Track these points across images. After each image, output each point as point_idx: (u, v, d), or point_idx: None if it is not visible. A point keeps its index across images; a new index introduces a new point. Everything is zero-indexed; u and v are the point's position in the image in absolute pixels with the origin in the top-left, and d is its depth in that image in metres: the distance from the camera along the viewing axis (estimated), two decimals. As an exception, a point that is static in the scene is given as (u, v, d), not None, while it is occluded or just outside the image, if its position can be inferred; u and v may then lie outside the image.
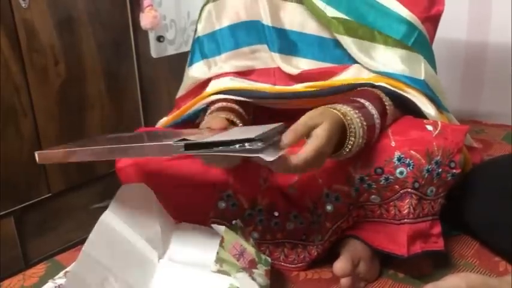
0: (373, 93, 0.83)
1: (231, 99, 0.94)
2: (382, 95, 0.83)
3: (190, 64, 1.06)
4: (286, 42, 0.97)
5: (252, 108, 0.99)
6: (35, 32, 1.36)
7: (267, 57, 0.99)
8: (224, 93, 0.94)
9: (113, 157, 0.75)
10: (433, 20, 0.96)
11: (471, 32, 1.59)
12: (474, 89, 1.64)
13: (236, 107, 0.93)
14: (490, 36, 1.56)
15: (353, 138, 0.74)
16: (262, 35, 0.98)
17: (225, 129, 0.81)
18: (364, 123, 0.75)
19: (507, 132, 1.39)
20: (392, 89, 0.86)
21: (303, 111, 0.86)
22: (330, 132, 0.70)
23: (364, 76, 0.91)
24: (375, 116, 0.78)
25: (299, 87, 0.93)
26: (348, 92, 0.86)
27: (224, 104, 0.93)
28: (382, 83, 0.87)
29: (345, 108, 0.75)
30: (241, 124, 0.88)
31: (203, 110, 0.97)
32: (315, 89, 0.91)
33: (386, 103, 0.82)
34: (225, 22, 1.00)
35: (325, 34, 0.94)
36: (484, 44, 1.58)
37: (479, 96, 1.64)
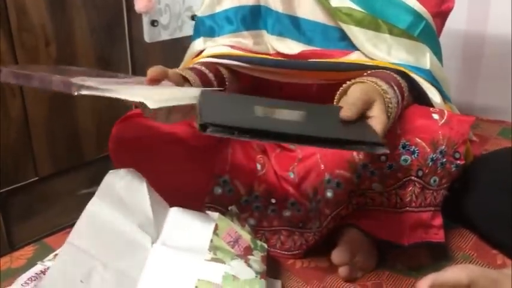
0: (391, 75, 0.80)
1: (222, 64, 0.92)
2: (399, 78, 0.81)
3: (192, 41, 1.04)
4: (289, 27, 0.94)
5: (247, 79, 0.95)
6: (25, 12, 1.32)
7: (266, 43, 0.97)
8: (219, 58, 0.92)
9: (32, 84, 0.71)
10: (442, 16, 0.95)
11: (469, 25, 1.59)
12: (470, 83, 1.63)
13: (221, 68, 0.91)
14: (488, 29, 1.56)
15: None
16: (263, 21, 0.96)
17: (157, 81, 0.77)
18: (396, 105, 0.72)
19: (503, 127, 1.39)
20: (405, 71, 0.84)
21: (302, 88, 0.84)
22: (384, 112, 0.68)
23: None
24: (399, 98, 0.75)
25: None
26: (360, 72, 0.82)
27: (208, 62, 0.90)
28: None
29: (385, 87, 0.72)
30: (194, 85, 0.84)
31: None
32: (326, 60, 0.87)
33: (403, 87, 0.80)
34: (227, 5, 0.98)
35: (330, 23, 0.92)
36: (482, 37, 1.57)
37: (475, 90, 1.63)
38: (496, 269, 0.83)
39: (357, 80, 0.73)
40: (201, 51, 1.00)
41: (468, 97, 1.64)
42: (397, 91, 0.76)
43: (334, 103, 0.72)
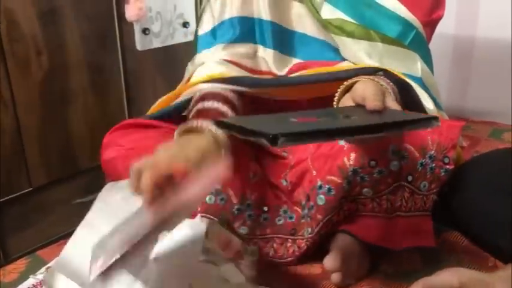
0: (385, 80, 0.81)
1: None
2: (392, 83, 0.81)
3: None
4: (284, 40, 0.95)
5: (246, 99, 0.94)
6: (16, 22, 1.32)
7: (259, 57, 0.97)
8: (214, 82, 0.90)
9: None
10: (432, 24, 0.96)
11: (459, 28, 1.60)
12: (461, 86, 1.65)
13: (228, 94, 0.87)
14: (477, 32, 1.57)
15: None
16: (257, 34, 0.96)
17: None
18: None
19: (494, 128, 1.40)
20: (399, 75, 0.85)
21: (294, 102, 0.85)
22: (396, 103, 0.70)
23: None
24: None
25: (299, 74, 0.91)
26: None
27: (214, 90, 0.87)
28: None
29: (386, 86, 0.74)
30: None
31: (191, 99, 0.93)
32: (318, 72, 0.88)
33: (395, 92, 0.81)
34: (224, 16, 0.98)
35: (321, 36, 0.93)
36: (471, 40, 1.58)
37: (465, 92, 1.64)
38: (487, 272, 0.83)
39: (359, 78, 0.73)
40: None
41: (459, 99, 1.65)
42: (392, 93, 0.76)
43: (336, 99, 0.74)
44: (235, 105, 0.87)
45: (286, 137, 0.55)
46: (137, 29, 1.64)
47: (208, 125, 0.74)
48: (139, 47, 1.66)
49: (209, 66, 0.95)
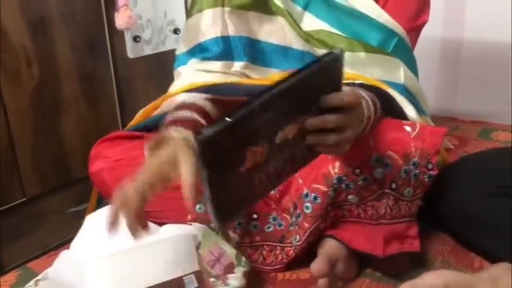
0: (366, 88, 0.82)
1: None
2: (371, 94, 0.82)
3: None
4: (257, 53, 0.96)
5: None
6: (5, 33, 1.32)
7: (235, 74, 0.98)
8: (195, 90, 0.91)
9: None
10: (417, 30, 0.97)
11: (446, 30, 1.61)
12: (450, 86, 1.66)
13: (203, 103, 0.87)
14: (465, 34, 1.58)
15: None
16: (235, 52, 0.97)
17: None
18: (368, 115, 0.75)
19: (482, 128, 1.41)
20: (379, 86, 0.86)
21: None
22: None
23: None
24: (371, 109, 0.77)
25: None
26: None
27: (188, 100, 0.87)
28: (362, 81, 0.86)
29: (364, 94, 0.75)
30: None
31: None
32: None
33: (376, 103, 0.82)
34: (202, 38, 0.99)
35: (303, 46, 0.94)
36: (459, 41, 1.59)
37: (455, 93, 1.66)
38: (473, 273, 0.84)
39: None
40: None
41: (448, 100, 1.67)
42: (371, 106, 0.77)
43: None
44: (209, 114, 0.87)
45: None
46: (128, 37, 1.65)
47: (177, 133, 0.74)
48: (130, 54, 1.67)
49: (187, 75, 0.96)
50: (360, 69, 0.89)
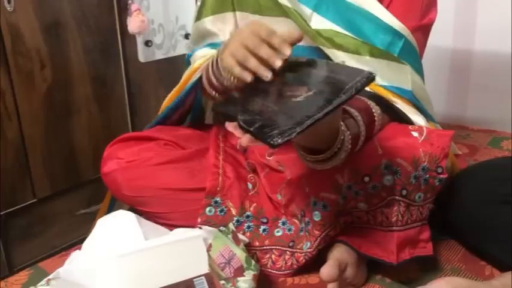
0: (361, 101, 0.83)
1: None
2: (371, 102, 0.83)
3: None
4: None
5: None
6: (20, 36, 1.34)
7: None
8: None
9: None
10: (424, 29, 0.95)
11: (457, 40, 1.61)
12: (460, 95, 1.66)
13: None
14: (475, 43, 1.58)
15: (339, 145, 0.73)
16: None
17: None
18: (348, 133, 0.74)
19: (493, 137, 1.40)
20: (380, 95, 0.86)
21: None
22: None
23: None
24: (360, 123, 0.77)
25: None
26: None
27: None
28: (368, 88, 0.86)
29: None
30: None
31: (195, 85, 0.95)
32: None
33: (374, 112, 0.82)
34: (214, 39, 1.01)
35: (311, 44, 0.94)
36: (469, 51, 1.59)
37: (465, 102, 1.65)
38: (483, 281, 0.84)
39: None
40: None
41: (458, 108, 1.66)
42: (358, 117, 0.77)
43: None
44: None
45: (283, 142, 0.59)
46: (139, 41, 1.66)
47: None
48: (142, 58, 1.68)
49: (200, 56, 0.98)
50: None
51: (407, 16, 0.91)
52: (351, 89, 0.62)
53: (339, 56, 0.89)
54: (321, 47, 0.90)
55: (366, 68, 0.87)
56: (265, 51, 0.71)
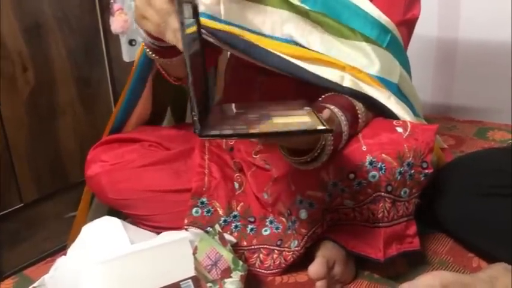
0: (344, 99, 0.82)
1: None
2: (353, 100, 0.82)
3: None
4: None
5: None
6: (0, 38, 1.32)
7: None
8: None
9: None
10: (408, 24, 0.95)
11: (441, 30, 1.61)
12: (446, 85, 1.66)
13: None
14: (460, 33, 1.58)
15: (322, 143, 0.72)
16: None
17: None
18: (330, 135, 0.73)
19: (479, 128, 1.41)
20: (363, 93, 0.85)
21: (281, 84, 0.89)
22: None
23: None
24: (343, 123, 0.76)
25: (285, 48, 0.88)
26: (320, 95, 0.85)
27: None
28: (354, 77, 0.85)
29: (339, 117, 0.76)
30: None
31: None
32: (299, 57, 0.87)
33: (358, 109, 0.82)
34: None
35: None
36: (454, 41, 1.59)
37: (450, 91, 1.66)
38: (470, 273, 0.84)
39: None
40: None
41: (444, 99, 1.67)
42: (342, 116, 0.76)
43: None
44: None
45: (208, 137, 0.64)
46: (123, 41, 1.64)
47: None
48: (126, 58, 1.66)
49: None
50: (348, 54, 0.87)
51: (391, 11, 0.90)
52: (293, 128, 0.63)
53: (330, 40, 0.88)
54: (315, 31, 0.88)
55: (360, 53, 0.86)
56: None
